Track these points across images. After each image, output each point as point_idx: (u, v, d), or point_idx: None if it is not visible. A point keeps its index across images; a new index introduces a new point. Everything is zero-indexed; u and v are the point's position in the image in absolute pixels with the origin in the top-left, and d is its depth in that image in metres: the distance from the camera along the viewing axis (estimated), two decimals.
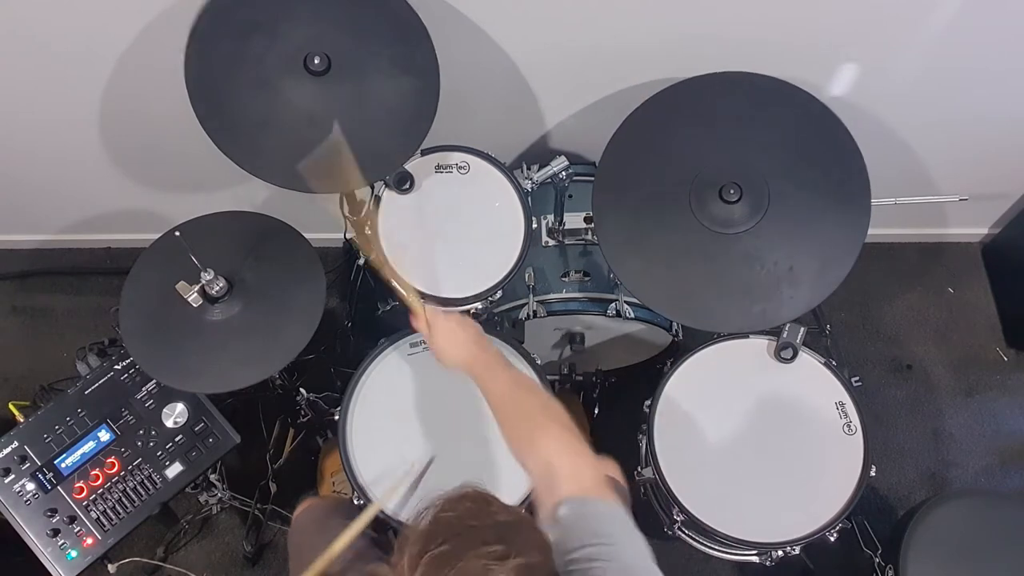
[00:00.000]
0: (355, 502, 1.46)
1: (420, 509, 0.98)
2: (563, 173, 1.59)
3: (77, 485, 1.57)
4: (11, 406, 1.76)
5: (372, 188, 1.65)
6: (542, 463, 1.05)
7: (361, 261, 1.94)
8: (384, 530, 1.46)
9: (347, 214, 1.74)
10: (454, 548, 0.89)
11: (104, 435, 1.61)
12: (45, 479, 1.57)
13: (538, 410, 1.14)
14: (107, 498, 1.57)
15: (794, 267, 1.41)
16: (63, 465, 1.58)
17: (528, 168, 1.78)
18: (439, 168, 1.63)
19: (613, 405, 2.00)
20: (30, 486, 1.56)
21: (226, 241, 1.55)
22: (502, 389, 1.20)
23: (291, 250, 1.57)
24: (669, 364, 1.61)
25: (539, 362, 1.55)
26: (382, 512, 1.41)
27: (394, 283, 1.41)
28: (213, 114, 1.38)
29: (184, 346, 1.48)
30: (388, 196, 1.60)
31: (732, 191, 1.40)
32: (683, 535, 1.61)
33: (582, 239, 1.78)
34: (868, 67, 1.68)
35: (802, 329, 1.55)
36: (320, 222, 1.82)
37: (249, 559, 1.99)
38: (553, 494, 1.00)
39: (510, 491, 1.45)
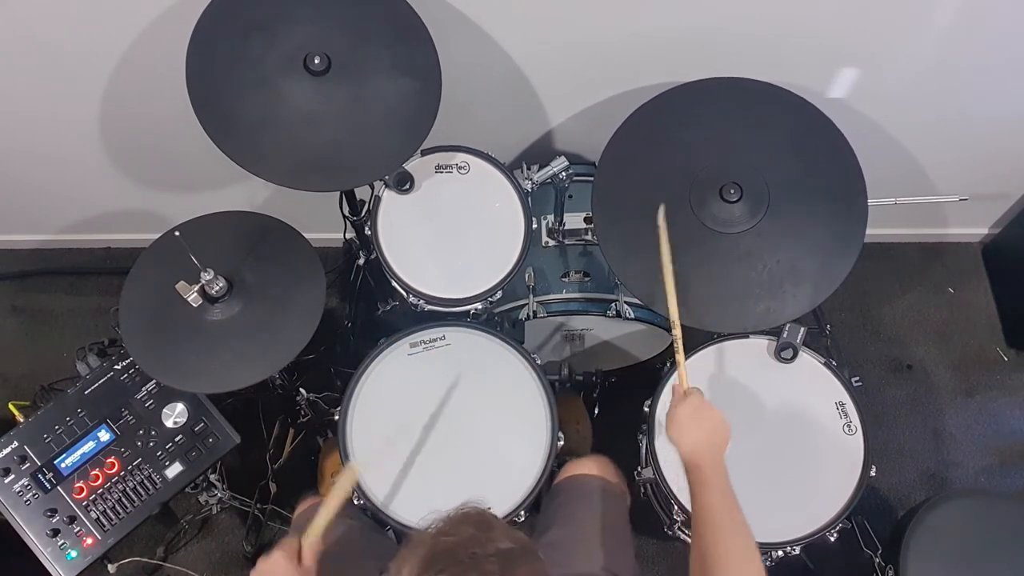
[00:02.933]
0: (355, 502, 1.46)
1: (420, 526, 0.97)
2: (563, 173, 1.59)
3: (77, 485, 1.57)
4: (11, 406, 1.76)
5: (372, 188, 1.65)
6: None
7: (361, 261, 1.94)
8: (383, 526, 1.46)
9: (347, 214, 1.74)
10: None
11: (104, 435, 1.61)
12: (45, 479, 1.57)
13: (747, 538, 1.13)
14: (107, 498, 1.57)
15: (796, 266, 1.41)
16: (63, 465, 1.58)
17: (528, 168, 1.78)
18: (439, 168, 1.63)
19: (613, 405, 2.00)
20: (30, 486, 1.56)
21: (226, 241, 1.55)
22: (720, 499, 1.16)
23: (291, 250, 1.57)
24: (669, 364, 1.61)
25: (539, 362, 1.55)
26: (371, 503, 1.41)
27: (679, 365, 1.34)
28: (213, 113, 1.38)
29: (184, 346, 1.48)
30: (388, 196, 1.60)
31: (732, 191, 1.41)
32: (683, 535, 1.61)
33: (582, 239, 1.78)
34: (868, 68, 1.68)
35: (802, 329, 1.55)
36: (320, 222, 1.83)
37: (249, 559, 1.99)
38: None
39: (509, 492, 1.46)
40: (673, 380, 1.53)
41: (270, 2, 1.40)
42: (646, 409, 1.56)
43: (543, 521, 1.47)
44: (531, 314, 1.70)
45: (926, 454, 2.14)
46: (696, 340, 1.60)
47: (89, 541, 1.55)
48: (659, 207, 1.37)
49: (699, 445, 1.22)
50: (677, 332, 1.35)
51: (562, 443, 1.50)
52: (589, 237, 1.77)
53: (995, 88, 1.75)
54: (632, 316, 1.69)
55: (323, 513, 1.22)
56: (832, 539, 1.47)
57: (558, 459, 1.51)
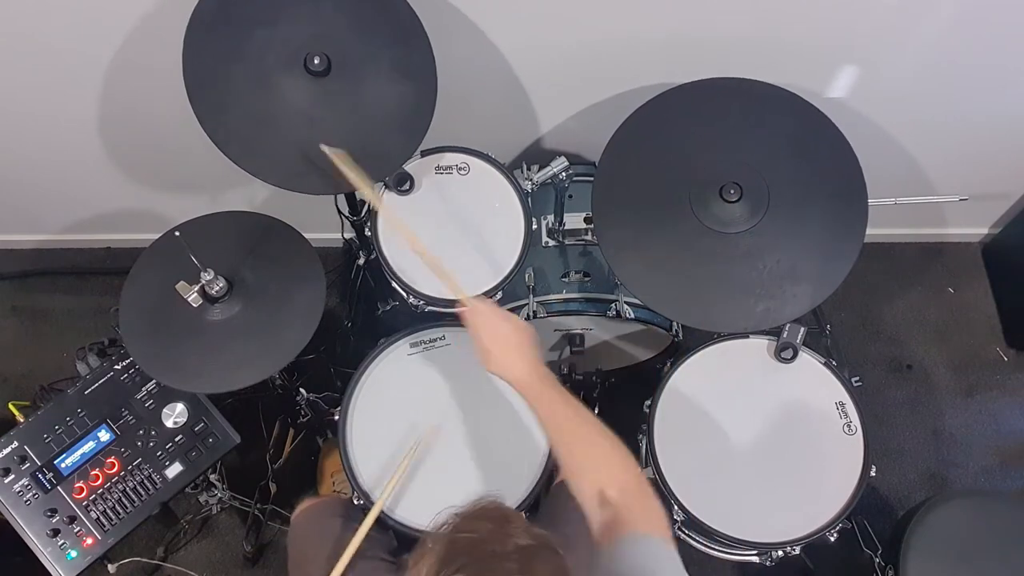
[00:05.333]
0: (355, 502, 1.46)
1: (437, 522, 0.96)
2: (563, 173, 1.59)
3: (77, 485, 1.57)
4: (11, 406, 1.76)
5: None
6: (615, 491, 1.04)
7: (361, 261, 1.94)
8: (385, 528, 1.46)
9: (347, 214, 1.75)
10: (471, 574, 0.88)
11: (104, 435, 1.61)
12: (45, 479, 1.57)
13: (606, 440, 1.10)
14: (107, 498, 1.57)
15: (796, 266, 1.41)
16: (63, 465, 1.58)
17: (528, 169, 1.78)
18: (439, 169, 1.63)
19: (613, 405, 2.00)
20: (30, 486, 1.56)
21: (226, 241, 1.55)
22: (565, 411, 1.14)
23: (291, 250, 1.57)
24: (669, 364, 1.61)
25: None
26: (371, 504, 1.41)
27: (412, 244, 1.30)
28: (212, 113, 1.38)
29: (184, 346, 1.48)
30: (388, 197, 1.60)
31: (732, 191, 1.41)
32: (683, 535, 1.61)
33: (582, 239, 1.78)
34: (869, 68, 1.68)
35: (802, 329, 1.55)
36: (320, 222, 1.82)
37: (249, 559, 1.99)
38: (622, 523, 1.01)
39: (509, 492, 1.46)
40: (676, 397, 1.53)
41: (270, 1, 1.40)
42: (646, 409, 1.56)
43: (543, 521, 1.47)
44: (531, 314, 1.70)
45: (926, 454, 2.14)
46: (696, 340, 1.60)
47: (89, 541, 1.55)
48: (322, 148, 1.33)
49: (519, 364, 1.17)
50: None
51: None
52: (589, 237, 1.77)
53: (995, 88, 1.75)
54: (632, 316, 1.69)
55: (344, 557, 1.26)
56: (832, 539, 1.47)
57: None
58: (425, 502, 1.45)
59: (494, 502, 1.00)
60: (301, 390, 1.79)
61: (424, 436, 1.47)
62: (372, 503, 1.45)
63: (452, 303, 1.57)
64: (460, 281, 1.31)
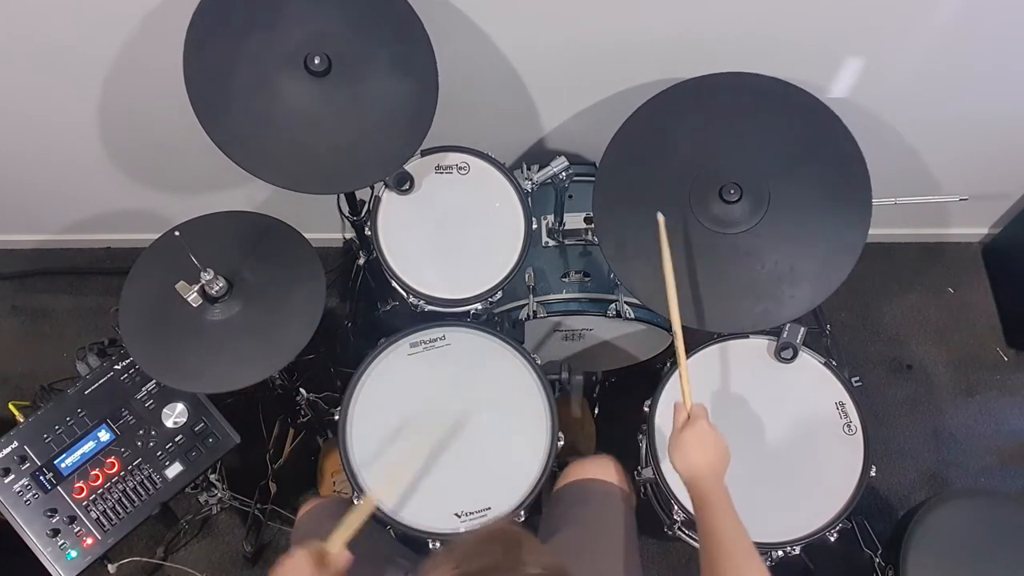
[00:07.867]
0: (355, 502, 1.46)
1: (445, 544, 0.94)
2: (563, 173, 1.59)
3: (77, 485, 1.57)
4: (11, 406, 1.76)
5: (372, 188, 1.65)
6: None
7: (361, 261, 1.95)
8: (383, 525, 1.46)
9: (346, 214, 1.74)
10: None
11: (104, 435, 1.61)
12: (45, 479, 1.57)
13: (754, 558, 1.13)
14: (107, 498, 1.57)
15: (795, 267, 1.41)
16: (63, 465, 1.58)
17: (528, 168, 1.78)
18: (439, 169, 1.63)
19: (613, 405, 2.00)
20: (30, 486, 1.56)
21: (226, 241, 1.56)
22: (729, 523, 1.17)
23: (291, 250, 1.57)
24: (669, 364, 1.61)
25: (539, 362, 1.55)
26: (379, 511, 1.41)
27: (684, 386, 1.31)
28: (213, 113, 1.38)
29: (184, 346, 1.48)
30: (388, 197, 1.60)
31: (732, 191, 1.40)
32: (683, 535, 1.61)
33: (582, 239, 1.78)
34: (869, 67, 1.68)
35: (802, 329, 1.55)
36: (320, 222, 1.83)
37: (249, 559, 1.99)
38: None
39: (509, 492, 1.46)
40: (675, 398, 1.52)
41: (271, 1, 1.40)
42: (646, 409, 1.56)
43: (548, 525, 1.47)
44: (531, 314, 1.70)
45: (926, 454, 2.14)
46: (696, 340, 1.60)
47: (89, 541, 1.55)
48: (658, 216, 1.36)
49: (704, 471, 1.22)
50: (679, 343, 1.33)
51: (562, 443, 1.50)
52: (589, 237, 1.77)
53: (996, 88, 1.75)
54: (632, 316, 1.69)
55: (346, 524, 1.22)
56: (832, 539, 1.47)
57: (558, 459, 1.51)
58: (424, 501, 1.45)
59: (507, 524, 0.98)
60: (301, 390, 1.79)
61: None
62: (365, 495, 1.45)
63: (452, 303, 1.57)
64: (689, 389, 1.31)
